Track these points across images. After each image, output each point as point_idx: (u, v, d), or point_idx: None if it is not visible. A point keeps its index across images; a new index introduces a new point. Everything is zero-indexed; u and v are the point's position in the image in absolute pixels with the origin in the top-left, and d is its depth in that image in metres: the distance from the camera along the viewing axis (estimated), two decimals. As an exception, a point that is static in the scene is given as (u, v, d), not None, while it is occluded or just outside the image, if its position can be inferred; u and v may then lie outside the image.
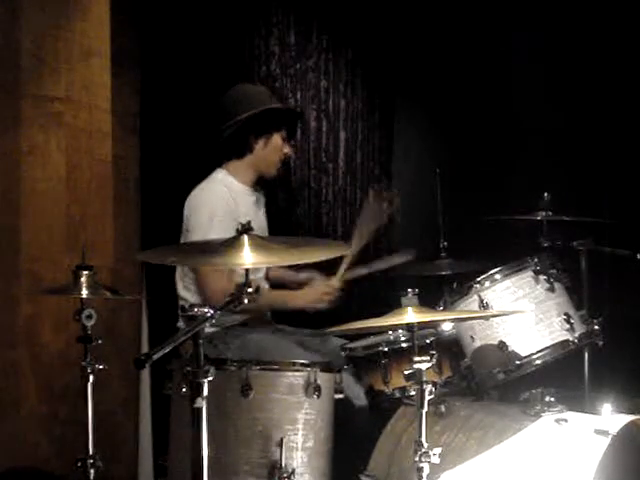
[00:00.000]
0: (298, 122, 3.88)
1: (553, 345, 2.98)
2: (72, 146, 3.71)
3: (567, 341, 2.99)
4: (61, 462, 3.54)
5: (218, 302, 3.15)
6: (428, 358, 2.44)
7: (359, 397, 3.25)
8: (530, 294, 3.03)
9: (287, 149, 3.63)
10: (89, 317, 2.84)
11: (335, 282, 3.47)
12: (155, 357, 2.02)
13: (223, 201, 3.42)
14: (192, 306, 2.16)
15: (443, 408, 2.88)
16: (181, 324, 3.41)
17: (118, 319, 3.86)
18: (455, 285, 3.24)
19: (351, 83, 4.74)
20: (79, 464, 2.85)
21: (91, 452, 2.87)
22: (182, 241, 3.41)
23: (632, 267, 3.53)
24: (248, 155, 3.56)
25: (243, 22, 4.36)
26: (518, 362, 2.95)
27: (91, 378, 2.86)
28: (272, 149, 3.57)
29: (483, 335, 3.01)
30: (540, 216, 3.51)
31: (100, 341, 2.88)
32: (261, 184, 3.68)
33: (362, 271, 3.59)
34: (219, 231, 3.21)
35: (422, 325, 2.60)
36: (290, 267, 3.73)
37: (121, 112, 3.94)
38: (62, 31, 3.68)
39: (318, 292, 3.47)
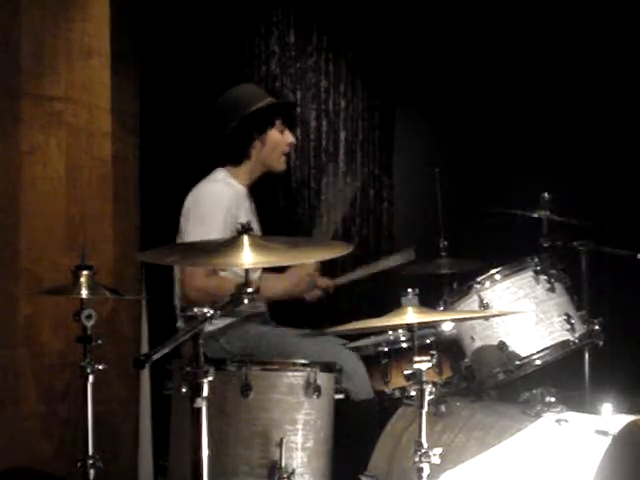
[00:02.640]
0: (292, 108, 3.81)
1: (553, 345, 2.97)
2: (72, 146, 3.71)
3: (567, 341, 2.99)
4: (61, 462, 3.53)
5: (194, 300, 3.20)
6: (428, 358, 2.44)
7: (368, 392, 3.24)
8: (530, 294, 3.02)
9: (290, 138, 3.59)
10: (89, 317, 2.83)
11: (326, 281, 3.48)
12: (155, 357, 2.02)
13: (226, 201, 3.40)
14: (192, 306, 2.16)
15: (443, 408, 2.87)
16: (180, 324, 3.41)
17: (118, 319, 3.86)
18: (455, 285, 3.24)
19: (351, 83, 4.73)
20: (79, 464, 2.85)
21: (91, 452, 2.86)
22: (179, 239, 3.40)
23: (632, 267, 3.53)
24: (247, 161, 3.55)
25: (243, 22, 4.36)
26: (518, 362, 2.94)
27: (91, 378, 2.86)
28: (271, 147, 3.54)
29: (483, 335, 3.01)
30: (539, 214, 3.50)
31: (100, 341, 2.88)
32: (263, 182, 3.68)
33: (360, 273, 3.60)
34: (220, 231, 3.20)
35: (422, 325, 2.59)
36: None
37: (121, 112, 3.93)
38: (62, 31, 3.68)
39: (300, 274, 3.42)
